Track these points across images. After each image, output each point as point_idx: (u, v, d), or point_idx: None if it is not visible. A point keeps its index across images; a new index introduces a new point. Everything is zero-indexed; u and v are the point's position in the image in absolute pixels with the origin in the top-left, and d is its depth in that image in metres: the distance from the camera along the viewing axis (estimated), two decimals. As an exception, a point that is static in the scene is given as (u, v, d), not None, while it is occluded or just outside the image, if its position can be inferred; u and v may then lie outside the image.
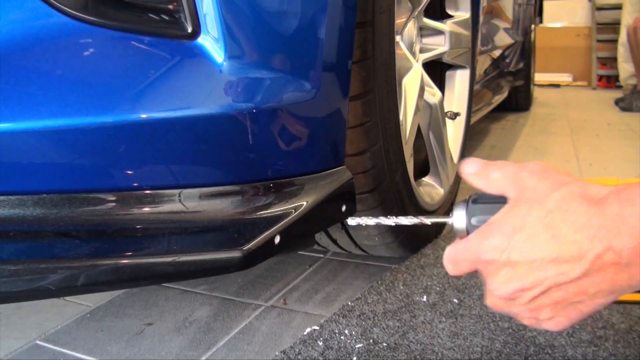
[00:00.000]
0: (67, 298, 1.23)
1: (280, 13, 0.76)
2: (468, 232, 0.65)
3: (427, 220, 0.74)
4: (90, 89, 0.69)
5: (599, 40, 6.80)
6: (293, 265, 1.37)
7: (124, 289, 1.20)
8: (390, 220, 0.76)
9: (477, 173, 0.62)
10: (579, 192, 0.52)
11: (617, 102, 4.72)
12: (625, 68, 5.45)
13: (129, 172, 0.73)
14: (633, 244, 0.47)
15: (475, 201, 0.65)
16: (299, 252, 1.42)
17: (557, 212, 0.51)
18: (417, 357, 0.91)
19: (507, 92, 3.61)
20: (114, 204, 0.73)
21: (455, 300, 1.11)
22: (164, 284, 1.26)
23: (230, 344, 1.01)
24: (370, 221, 0.79)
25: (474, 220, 0.65)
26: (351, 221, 0.76)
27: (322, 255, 1.43)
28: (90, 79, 0.69)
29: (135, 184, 0.74)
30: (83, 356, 1.00)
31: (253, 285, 1.26)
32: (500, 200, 0.61)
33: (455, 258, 0.59)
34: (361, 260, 1.39)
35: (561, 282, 0.51)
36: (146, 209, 0.74)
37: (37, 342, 1.06)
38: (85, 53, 0.69)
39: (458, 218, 0.66)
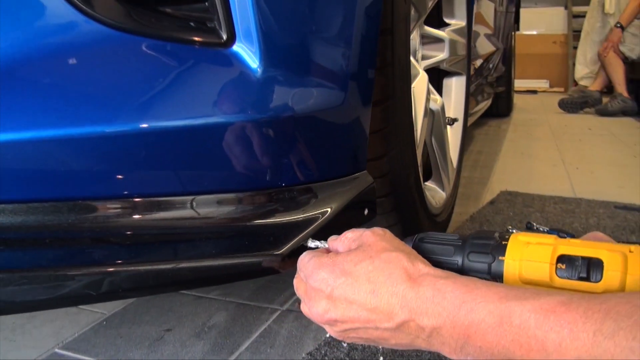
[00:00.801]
0: (81, 306, 1.23)
1: (312, 21, 0.78)
2: None
3: None
4: (126, 96, 0.70)
5: (575, 47, 6.93)
6: (302, 270, 1.38)
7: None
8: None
9: (335, 237, 0.72)
10: (403, 265, 0.60)
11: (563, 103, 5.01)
12: (578, 69, 5.90)
13: (167, 177, 0.74)
14: (435, 324, 0.55)
15: (422, 239, 0.71)
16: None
17: (380, 272, 0.60)
18: (442, 356, 0.93)
19: (491, 98, 3.67)
20: (152, 210, 0.75)
21: (468, 301, 1.13)
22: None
23: (253, 347, 1.03)
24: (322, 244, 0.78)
25: None
26: (311, 243, 0.78)
27: (329, 260, 1.45)
28: (127, 86, 0.70)
29: (173, 190, 0.75)
30: (106, 363, 1.01)
31: (266, 290, 1.28)
32: (446, 243, 0.69)
33: (300, 265, 0.69)
34: (368, 264, 1.41)
35: (369, 327, 0.60)
36: (184, 214, 0.75)
37: (56, 350, 1.06)
38: (121, 61, 0.70)
39: None
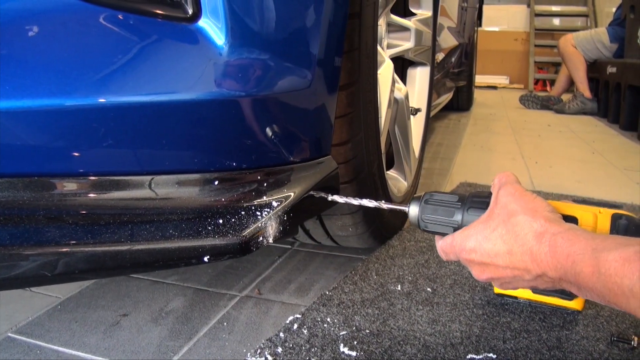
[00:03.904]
0: (35, 289, 1.19)
1: (280, 0, 0.76)
2: (418, 223, 0.84)
3: (385, 206, 0.88)
4: (85, 70, 0.67)
5: (536, 45, 7.04)
6: (262, 256, 1.37)
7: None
8: (356, 201, 0.89)
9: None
10: (529, 225, 0.70)
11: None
12: None
13: (125, 155, 0.72)
14: (557, 276, 0.67)
15: (427, 201, 0.83)
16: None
17: (512, 235, 0.71)
18: (401, 342, 0.93)
19: (452, 91, 3.70)
20: (110, 189, 0.73)
21: (428, 289, 1.14)
22: (134, 275, 1.25)
23: (211, 333, 1.01)
24: (341, 199, 0.90)
25: (423, 217, 0.83)
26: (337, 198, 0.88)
27: (289, 247, 1.44)
28: (86, 59, 0.68)
29: (131, 169, 0.73)
30: (60, 348, 0.98)
31: (224, 276, 1.26)
32: (448, 205, 0.82)
33: (445, 250, 0.80)
34: (328, 251, 1.41)
35: (518, 279, 0.73)
36: (146, 195, 0.73)
37: (9, 334, 1.02)
38: (80, 32, 0.67)
39: (413, 211, 0.84)
